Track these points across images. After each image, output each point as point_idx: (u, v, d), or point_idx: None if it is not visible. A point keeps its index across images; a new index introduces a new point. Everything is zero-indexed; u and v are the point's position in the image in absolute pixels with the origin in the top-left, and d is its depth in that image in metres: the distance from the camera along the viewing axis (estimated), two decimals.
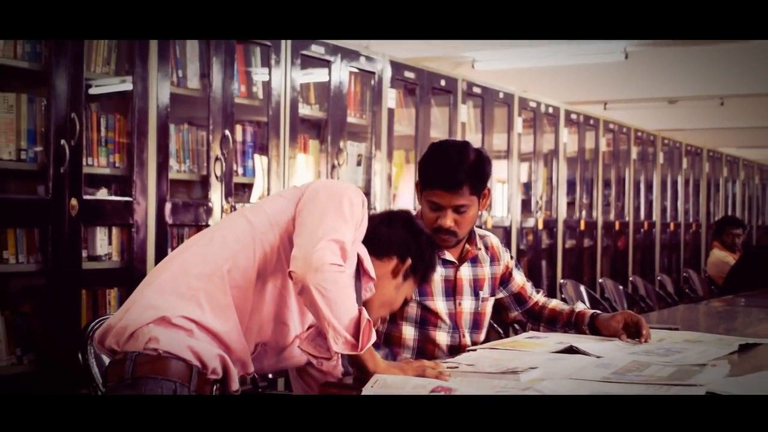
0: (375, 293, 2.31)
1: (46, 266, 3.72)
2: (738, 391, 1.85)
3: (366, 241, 2.27)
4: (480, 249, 2.86)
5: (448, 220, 2.63)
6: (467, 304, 2.82)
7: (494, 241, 2.97)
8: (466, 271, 2.82)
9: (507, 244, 7.17)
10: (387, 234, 2.38)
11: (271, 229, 2.13)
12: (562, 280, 6.94)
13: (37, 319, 3.80)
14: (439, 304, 2.76)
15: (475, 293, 2.84)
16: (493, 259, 2.92)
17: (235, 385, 2.12)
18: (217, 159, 4.43)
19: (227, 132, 4.54)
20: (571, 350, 2.37)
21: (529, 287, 3.00)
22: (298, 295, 2.06)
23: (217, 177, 4.37)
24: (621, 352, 2.40)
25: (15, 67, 3.73)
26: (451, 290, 2.79)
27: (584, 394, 1.79)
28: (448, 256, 2.77)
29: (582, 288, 5.80)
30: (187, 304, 2.02)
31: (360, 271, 2.24)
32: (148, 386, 1.95)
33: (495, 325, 3.54)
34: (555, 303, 3.00)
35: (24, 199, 3.80)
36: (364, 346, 2.00)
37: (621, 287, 6.65)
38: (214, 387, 2.06)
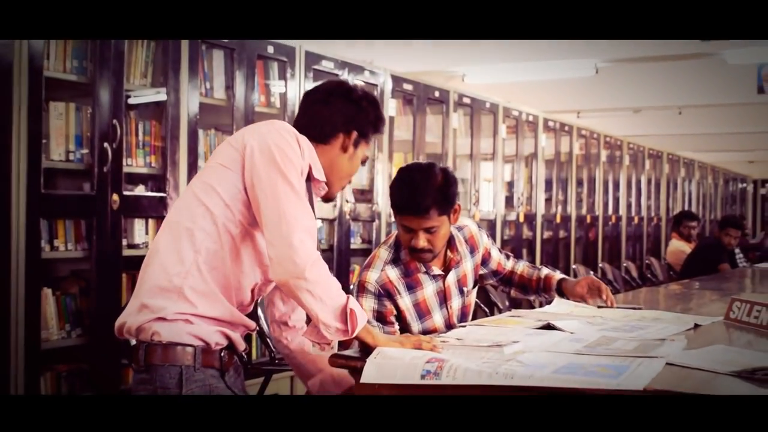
0: (331, 172, 2.13)
1: (91, 253, 3.72)
2: (693, 363, 1.85)
3: (309, 129, 2.10)
4: (459, 245, 2.72)
5: (421, 242, 2.49)
6: (456, 304, 2.70)
7: (473, 229, 2.82)
8: (452, 277, 2.69)
9: (492, 235, 7.17)
10: (327, 114, 2.12)
11: (227, 208, 1.98)
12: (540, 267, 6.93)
13: (84, 298, 3.81)
14: (436, 318, 2.64)
15: (461, 291, 2.72)
16: (473, 250, 2.78)
17: (241, 346, 2.07)
18: None
19: None
20: (548, 327, 2.36)
21: (502, 259, 2.91)
22: (285, 295, 2.02)
23: None
24: (592, 328, 2.38)
25: (64, 80, 3.74)
26: (443, 299, 2.67)
27: (577, 393, 1.75)
28: (436, 270, 2.64)
29: None
30: (177, 302, 1.94)
31: (309, 176, 2.09)
32: (158, 372, 1.93)
33: (481, 305, 3.53)
34: (522, 267, 2.93)
35: (72, 194, 3.80)
36: (353, 331, 1.95)
37: (592, 272, 6.65)
38: (222, 354, 2.00)
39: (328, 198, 2.23)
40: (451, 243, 2.66)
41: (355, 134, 2.14)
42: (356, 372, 1.94)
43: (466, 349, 2.07)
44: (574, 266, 7.20)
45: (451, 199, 2.53)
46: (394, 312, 2.57)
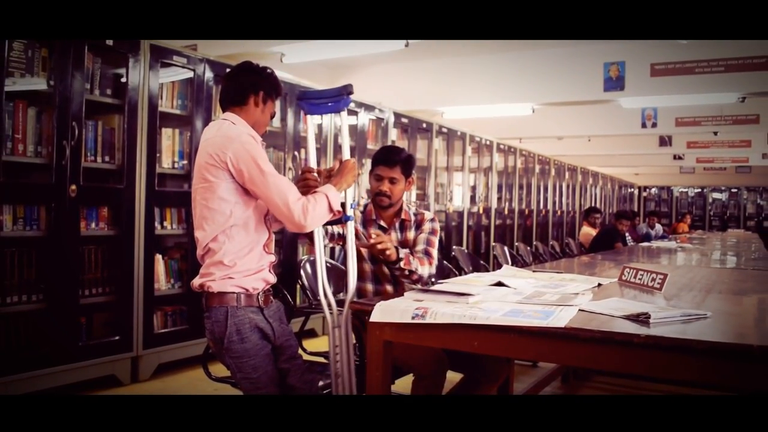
0: (254, 124, 2.02)
1: (188, 231, 3.72)
2: (597, 310, 1.83)
3: (232, 100, 2.01)
4: (408, 220, 2.64)
5: (385, 187, 2.53)
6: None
7: (427, 216, 2.70)
8: (393, 235, 2.62)
9: (460, 222, 7.15)
10: (238, 83, 2.02)
11: (237, 204, 1.91)
12: (493, 244, 6.92)
13: (183, 262, 3.81)
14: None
15: (400, 248, 2.60)
16: (418, 226, 2.67)
17: (272, 280, 2.01)
18: (289, 169, 4.42)
19: (296, 153, 4.52)
20: (499, 284, 2.33)
21: (420, 247, 2.60)
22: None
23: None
24: (528, 285, 2.34)
25: (172, 113, 3.73)
26: None
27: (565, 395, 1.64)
28: (381, 223, 2.62)
29: (505, 249, 5.76)
30: (220, 269, 1.91)
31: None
32: (212, 311, 1.92)
33: (453, 269, 3.50)
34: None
35: (176, 191, 3.80)
36: (339, 214, 2.01)
37: (528, 248, 6.62)
38: (259, 296, 1.96)
39: None
40: (399, 212, 2.63)
41: (261, 93, 2.03)
42: (368, 314, 1.91)
43: (441, 296, 2.06)
44: (516, 244, 7.17)
45: (410, 167, 2.58)
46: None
